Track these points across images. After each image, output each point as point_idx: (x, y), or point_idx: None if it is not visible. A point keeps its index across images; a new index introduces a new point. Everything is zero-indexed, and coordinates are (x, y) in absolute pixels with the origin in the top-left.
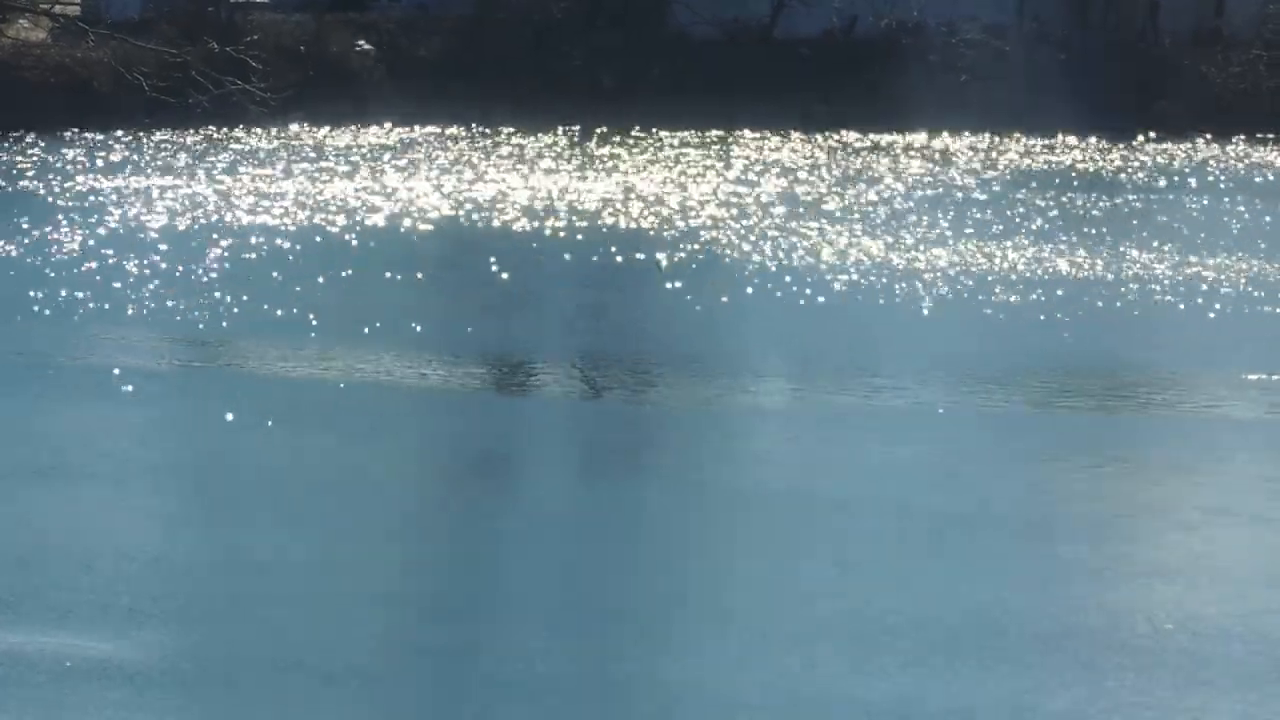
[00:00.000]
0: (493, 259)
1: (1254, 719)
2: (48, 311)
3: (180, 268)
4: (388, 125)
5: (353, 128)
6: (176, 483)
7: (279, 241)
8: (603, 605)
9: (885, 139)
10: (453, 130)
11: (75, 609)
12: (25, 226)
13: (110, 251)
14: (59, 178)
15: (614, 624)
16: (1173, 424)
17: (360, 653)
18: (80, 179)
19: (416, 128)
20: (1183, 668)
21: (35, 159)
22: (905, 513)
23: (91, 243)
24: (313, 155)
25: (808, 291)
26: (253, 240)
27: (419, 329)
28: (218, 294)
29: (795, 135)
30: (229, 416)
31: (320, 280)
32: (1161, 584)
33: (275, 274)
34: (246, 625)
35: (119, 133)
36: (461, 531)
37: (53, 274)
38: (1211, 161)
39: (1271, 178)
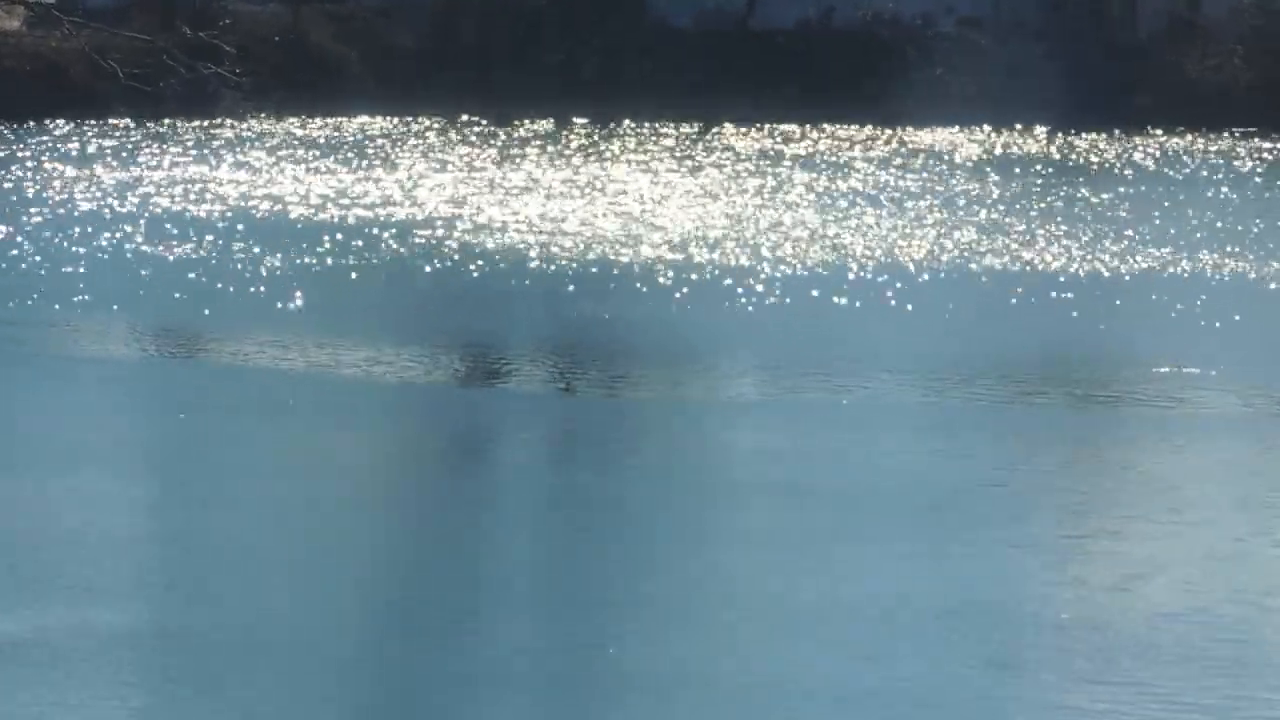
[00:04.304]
0: (465, 251)
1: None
2: (6, 299)
3: (146, 257)
4: (363, 116)
5: (328, 118)
6: (137, 468)
7: (247, 231)
8: (573, 594)
9: (861, 131)
10: (429, 121)
11: (33, 589)
12: None
13: (73, 239)
14: (28, 166)
15: (587, 612)
16: (1138, 418)
17: (329, 635)
18: (50, 167)
19: (393, 118)
20: (1094, 662)
21: (6, 148)
22: (872, 503)
23: (55, 230)
24: (285, 146)
25: (778, 284)
26: (222, 230)
27: (387, 321)
28: (182, 284)
29: (772, 127)
30: (192, 404)
31: (287, 272)
32: (1089, 574)
33: (241, 264)
34: (210, 606)
35: (93, 121)
36: (434, 521)
37: (13, 262)
38: (1188, 155)
39: (1248, 171)
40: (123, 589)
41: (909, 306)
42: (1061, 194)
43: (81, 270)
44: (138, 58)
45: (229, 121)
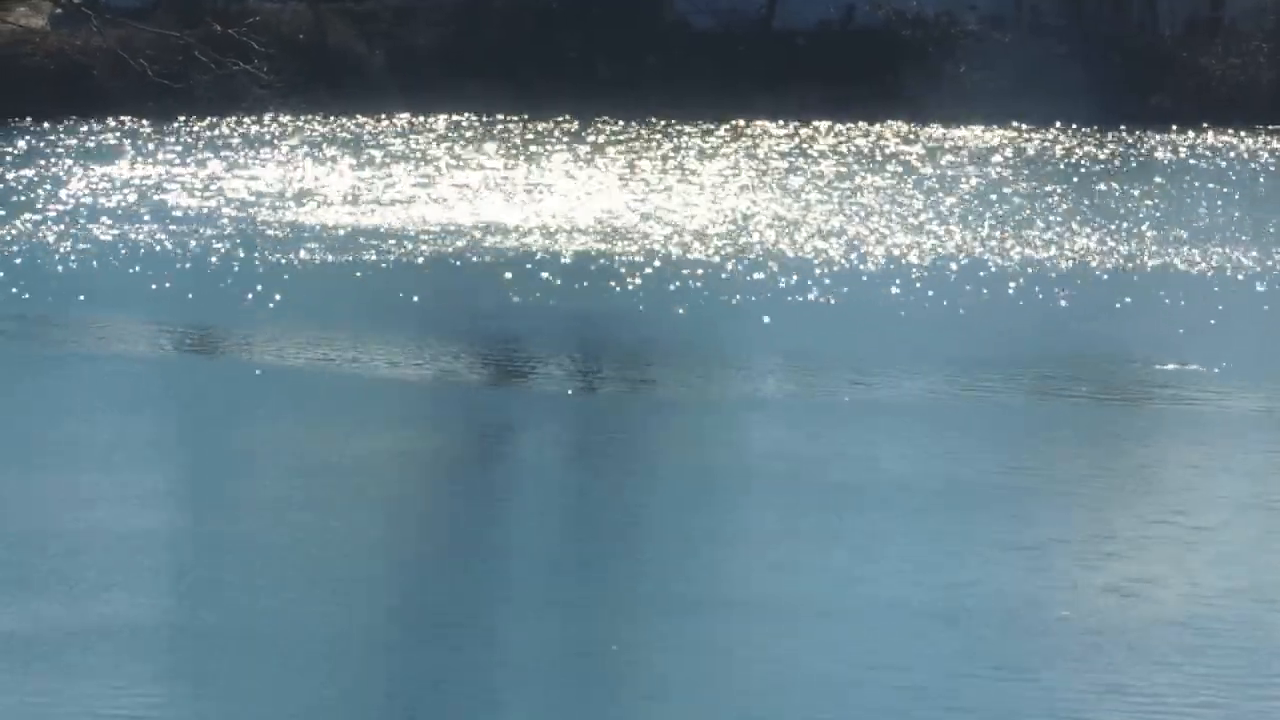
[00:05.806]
0: (486, 249)
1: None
2: (22, 296)
3: (166, 255)
4: (384, 114)
5: (349, 117)
6: (149, 466)
7: (269, 230)
8: (569, 593)
9: (882, 129)
10: (449, 119)
11: (38, 586)
12: (8, 213)
13: (96, 237)
14: (52, 165)
15: (585, 611)
16: (1154, 417)
17: (335, 634)
18: (73, 165)
19: (414, 117)
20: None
21: (29, 146)
22: (877, 502)
23: (78, 228)
24: (307, 144)
25: (799, 281)
26: (244, 228)
27: (406, 321)
28: (201, 282)
29: (793, 126)
30: (205, 402)
31: (307, 270)
32: (1087, 570)
33: (262, 262)
34: (217, 600)
35: (119, 120)
36: (450, 520)
37: (30, 260)
38: (1209, 153)
39: (1271, 169)
40: (128, 586)
41: (925, 304)
42: (1083, 191)
43: (100, 268)
44: (165, 55)
45: (251, 119)
